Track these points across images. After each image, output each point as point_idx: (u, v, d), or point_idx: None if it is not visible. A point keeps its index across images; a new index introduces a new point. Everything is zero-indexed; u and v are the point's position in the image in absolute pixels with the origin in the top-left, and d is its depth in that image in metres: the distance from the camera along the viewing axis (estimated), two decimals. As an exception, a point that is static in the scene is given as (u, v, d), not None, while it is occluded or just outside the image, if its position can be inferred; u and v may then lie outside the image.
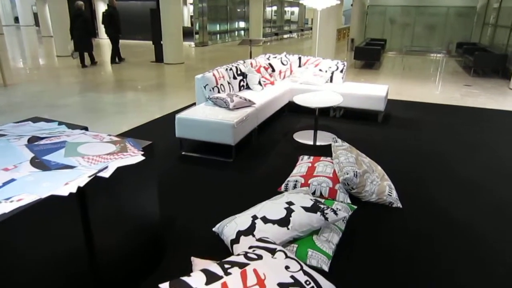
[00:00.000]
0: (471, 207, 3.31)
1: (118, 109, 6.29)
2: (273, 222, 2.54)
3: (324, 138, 4.93)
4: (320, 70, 6.16)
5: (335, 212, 2.60)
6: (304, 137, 4.97)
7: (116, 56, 11.28)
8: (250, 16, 17.36)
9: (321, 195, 3.30)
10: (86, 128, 2.55)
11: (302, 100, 4.75)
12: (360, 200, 3.32)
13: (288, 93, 5.88)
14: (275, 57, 6.48)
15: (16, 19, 28.34)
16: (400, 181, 3.71)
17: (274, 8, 24.02)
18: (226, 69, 5.23)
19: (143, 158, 2.08)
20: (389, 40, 14.47)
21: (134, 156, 2.08)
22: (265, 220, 2.58)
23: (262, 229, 2.52)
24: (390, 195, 3.30)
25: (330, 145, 3.91)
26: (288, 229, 2.50)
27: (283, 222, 2.53)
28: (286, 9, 25.84)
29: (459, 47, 12.97)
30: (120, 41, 11.46)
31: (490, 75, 9.96)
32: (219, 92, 4.84)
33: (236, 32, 20.85)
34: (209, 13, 17.66)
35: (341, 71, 6.12)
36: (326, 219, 2.56)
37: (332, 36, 8.71)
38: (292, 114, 5.99)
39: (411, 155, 4.44)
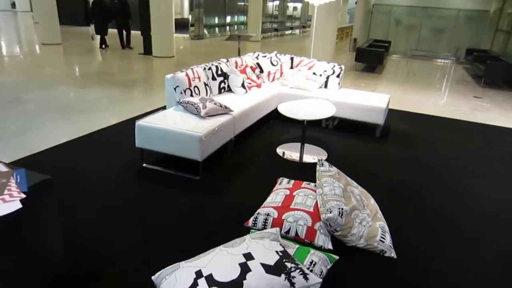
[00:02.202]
0: (486, 260, 2.65)
1: (86, 106, 5.61)
2: (220, 286, 1.88)
3: (312, 152, 4.27)
4: (314, 73, 5.47)
5: (305, 276, 1.94)
6: (289, 151, 4.31)
7: (127, 42, 11.68)
8: (248, 9, 16.56)
9: (296, 236, 2.65)
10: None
11: (288, 109, 4.08)
12: (344, 244, 2.66)
13: (276, 98, 5.21)
14: (265, 56, 5.80)
15: (13, 5, 27.51)
16: (396, 219, 3.05)
17: (276, 2, 23.20)
18: (204, 69, 4.55)
19: (19, 206, 1.43)
20: (394, 42, 13.72)
21: (8, 202, 1.43)
22: (210, 281, 1.92)
23: (204, 296, 1.86)
24: (383, 241, 2.64)
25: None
26: (239, 298, 1.84)
27: (234, 287, 1.87)
28: (289, 4, 25.00)
29: (468, 53, 12.24)
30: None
31: (501, 86, 9.27)
32: (192, 95, 4.16)
33: (236, 26, 20.10)
34: (206, 4, 16.86)
35: (338, 76, 5.44)
36: (292, 284, 1.90)
37: (332, 36, 8.00)
38: (280, 122, 5.31)
39: (412, 182, 3.77)
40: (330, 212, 2.59)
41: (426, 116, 6.19)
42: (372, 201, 3.11)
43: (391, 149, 4.60)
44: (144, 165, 3.75)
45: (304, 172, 3.78)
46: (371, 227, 2.71)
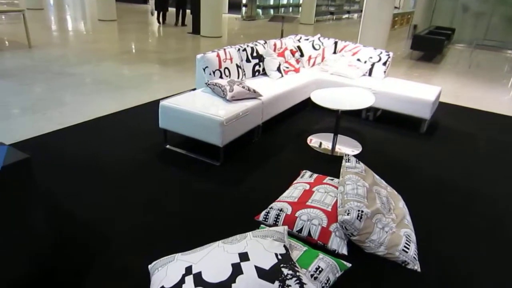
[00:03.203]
0: (526, 286, 2.27)
1: (125, 83, 5.66)
2: (206, 287, 1.72)
3: (346, 145, 3.97)
4: (358, 60, 5.08)
5: (301, 285, 1.74)
6: (320, 142, 4.03)
7: (182, 20, 12.31)
8: (303, -10, 15.98)
9: (308, 236, 2.43)
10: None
11: (321, 97, 3.80)
12: (362, 250, 2.40)
13: (314, 84, 4.90)
14: (307, 39, 5.48)
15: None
16: (427, 227, 2.72)
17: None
18: (239, 50, 4.35)
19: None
20: (459, 30, 12.58)
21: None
22: (198, 280, 1.77)
23: (189, 296, 1.72)
24: (406, 251, 2.35)
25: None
26: (225, 302, 1.68)
27: (221, 290, 1.71)
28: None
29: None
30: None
31: None
32: (221, 77, 4.00)
33: (291, 8, 19.58)
34: (259, -15, 16.51)
35: (384, 64, 5.01)
36: (286, 294, 1.70)
37: (386, 20, 7.41)
38: (316, 110, 5.01)
39: (453, 187, 3.37)
40: (348, 214, 2.33)
41: (484, 112, 5.58)
42: (401, 204, 2.79)
43: (435, 147, 4.16)
44: (167, 146, 3.68)
45: (333, 166, 3.51)
46: (394, 234, 2.42)
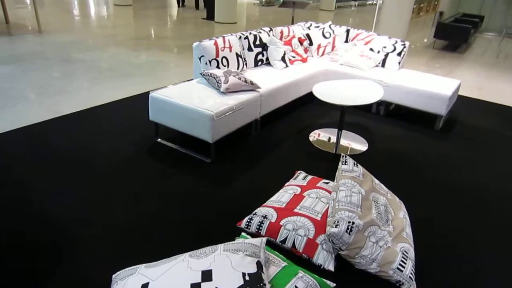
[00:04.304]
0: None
1: (129, 71, 5.50)
2: (160, 311, 1.52)
3: (352, 142, 3.68)
4: (371, 49, 4.73)
5: (267, 315, 1.51)
6: (323, 139, 3.76)
7: (196, 3, 12.53)
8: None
9: (293, 248, 2.20)
10: None
11: (324, 91, 3.51)
12: (353, 266, 2.15)
13: (322, 75, 4.60)
14: (318, 27, 5.14)
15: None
16: (430, 240, 2.43)
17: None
18: (240, 37, 4.09)
19: None
20: (488, 18, 11.84)
21: None
22: (152, 301, 1.57)
23: (138, 320, 1.53)
24: (401, 270, 2.08)
25: (356, 156, 2.72)
26: (177, 330, 1.48)
27: (175, 315, 1.50)
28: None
29: None
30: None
31: None
32: (218, 67, 3.76)
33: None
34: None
35: (399, 54, 4.64)
36: (248, 324, 1.48)
37: (408, 7, 6.93)
38: (323, 103, 4.68)
39: (469, 194, 3.04)
40: (336, 226, 2.08)
41: (509, 108, 5.14)
42: (402, 214, 2.51)
43: (451, 146, 3.82)
44: (158, 140, 3.49)
45: (334, 166, 3.24)
46: (389, 249, 2.15)
